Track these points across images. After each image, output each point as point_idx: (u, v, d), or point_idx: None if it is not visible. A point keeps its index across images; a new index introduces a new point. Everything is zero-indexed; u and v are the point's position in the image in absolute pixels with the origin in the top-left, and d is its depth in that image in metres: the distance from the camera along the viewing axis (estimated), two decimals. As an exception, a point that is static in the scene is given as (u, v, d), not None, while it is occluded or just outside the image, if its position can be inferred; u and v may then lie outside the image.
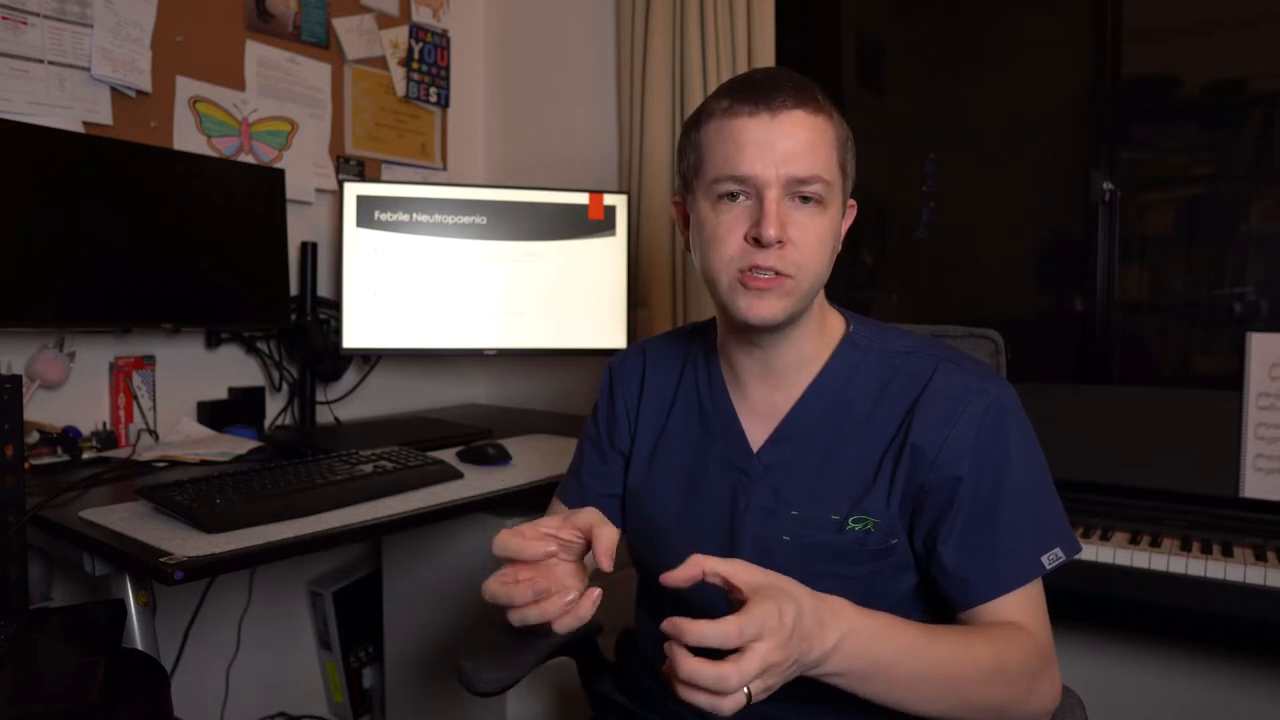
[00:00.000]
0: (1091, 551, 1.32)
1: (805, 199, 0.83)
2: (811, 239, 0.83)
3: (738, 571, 0.67)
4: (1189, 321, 1.75)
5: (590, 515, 0.79)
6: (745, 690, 0.63)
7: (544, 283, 1.86)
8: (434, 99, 2.23)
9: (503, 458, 1.52)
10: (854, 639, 0.69)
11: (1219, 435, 1.42)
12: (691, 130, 0.89)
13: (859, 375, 0.91)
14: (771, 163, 0.81)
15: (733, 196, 0.84)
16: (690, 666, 0.62)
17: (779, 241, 0.81)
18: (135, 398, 1.66)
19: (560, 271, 1.86)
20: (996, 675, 0.76)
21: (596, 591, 0.75)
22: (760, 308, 0.83)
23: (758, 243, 0.82)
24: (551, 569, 0.79)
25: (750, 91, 0.83)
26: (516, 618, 0.74)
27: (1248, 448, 1.39)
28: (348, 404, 2.03)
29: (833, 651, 0.68)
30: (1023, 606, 0.82)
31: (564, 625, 0.74)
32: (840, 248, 0.91)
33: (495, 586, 0.75)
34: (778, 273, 0.82)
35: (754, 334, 0.89)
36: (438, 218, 1.80)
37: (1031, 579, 0.82)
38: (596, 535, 0.76)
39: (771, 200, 0.81)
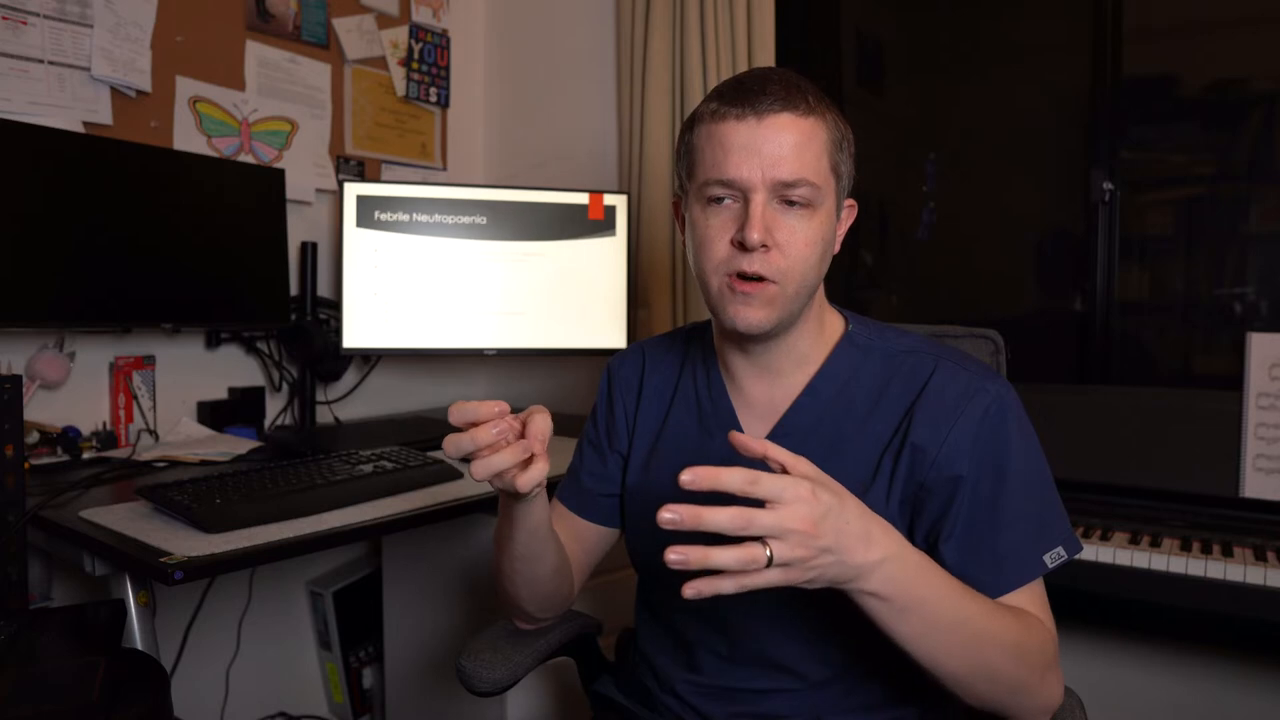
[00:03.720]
0: (1091, 551, 1.32)
1: (792, 203, 0.83)
2: (799, 243, 0.83)
3: (798, 464, 0.68)
4: (1189, 321, 1.75)
5: (532, 409, 0.79)
6: (767, 550, 0.63)
7: (544, 283, 1.86)
8: (434, 99, 2.23)
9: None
10: (899, 564, 0.70)
11: (1219, 435, 1.42)
12: (686, 132, 0.89)
13: (859, 374, 0.91)
14: (757, 167, 0.81)
15: (720, 200, 0.84)
16: (705, 550, 0.62)
17: (764, 246, 0.81)
18: (135, 398, 1.66)
19: (560, 271, 1.86)
20: (1018, 652, 0.77)
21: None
22: (747, 315, 0.84)
23: (743, 247, 0.82)
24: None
25: (738, 95, 0.83)
26: (481, 467, 0.73)
27: (1248, 448, 1.39)
28: (348, 404, 2.03)
29: (876, 567, 0.68)
30: (1026, 605, 0.82)
31: (527, 480, 0.74)
32: (839, 248, 0.91)
33: (455, 437, 0.74)
34: (763, 278, 0.82)
35: (745, 340, 0.89)
36: (438, 218, 1.80)
37: (1034, 577, 0.83)
38: (530, 420, 0.76)
39: (757, 204, 0.81)
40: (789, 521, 0.63)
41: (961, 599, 0.75)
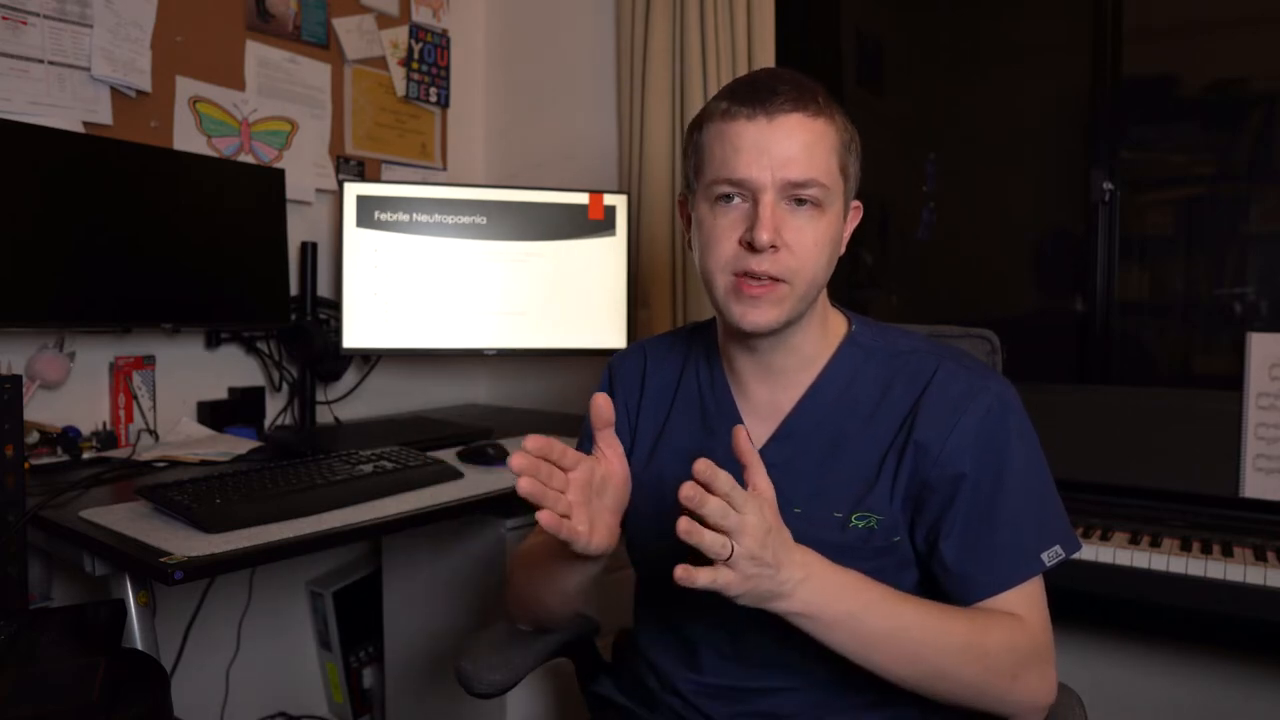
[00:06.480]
0: (1091, 551, 1.32)
1: (801, 202, 0.83)
2: (808, 243, 0.83)
3: (761, 484, 0.73)
4: (1189, 321, 1.75)
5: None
6: (730, 544, 0.68)
7: (544, 283, 1.86)
8: (434, 99, 2.23)
9: (502, 458, 1.52)
10: (818, 581, 0.74)
11: (1219, 435, 1.42)
12: (694, 131, 0.89)
13: (862, 374, 0.91)
14: (767, 166, 0.81)
15: (729, 199, 0.84)
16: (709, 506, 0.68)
17: (772, 246, 0.81)
18: (135, 398, 1.66)
19: (560, 271, 1.86)
20: (971, 652, 0.77)
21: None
22: (754, 315, 0.84)
23: (751, 247, 0.82)
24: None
25: (748, 94, 0.83)
26: (548, 516, 0.73)
27: (1248, 448, 1.39)
28: (348, 404, 2.03)
29: (795, 588, 0.72)
30: (1023, 603, 0.82)
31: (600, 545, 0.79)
32: (844, 250, 0.91)
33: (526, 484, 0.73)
34: (773, 279, 0.82)
35: (750, 339, 0.89)
36: (438, 218, 1.80)
37: (1032, 576, 0.83)
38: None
39: (766, 204, 0.81)
40: (755, 532, 0.69)
41: (895, 609, 0.77)
